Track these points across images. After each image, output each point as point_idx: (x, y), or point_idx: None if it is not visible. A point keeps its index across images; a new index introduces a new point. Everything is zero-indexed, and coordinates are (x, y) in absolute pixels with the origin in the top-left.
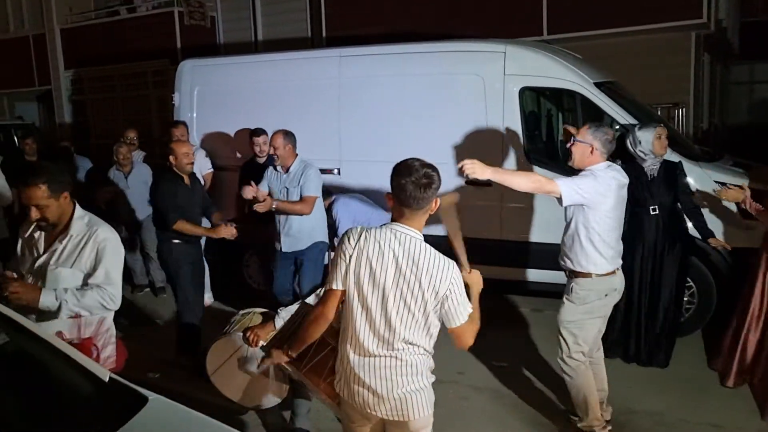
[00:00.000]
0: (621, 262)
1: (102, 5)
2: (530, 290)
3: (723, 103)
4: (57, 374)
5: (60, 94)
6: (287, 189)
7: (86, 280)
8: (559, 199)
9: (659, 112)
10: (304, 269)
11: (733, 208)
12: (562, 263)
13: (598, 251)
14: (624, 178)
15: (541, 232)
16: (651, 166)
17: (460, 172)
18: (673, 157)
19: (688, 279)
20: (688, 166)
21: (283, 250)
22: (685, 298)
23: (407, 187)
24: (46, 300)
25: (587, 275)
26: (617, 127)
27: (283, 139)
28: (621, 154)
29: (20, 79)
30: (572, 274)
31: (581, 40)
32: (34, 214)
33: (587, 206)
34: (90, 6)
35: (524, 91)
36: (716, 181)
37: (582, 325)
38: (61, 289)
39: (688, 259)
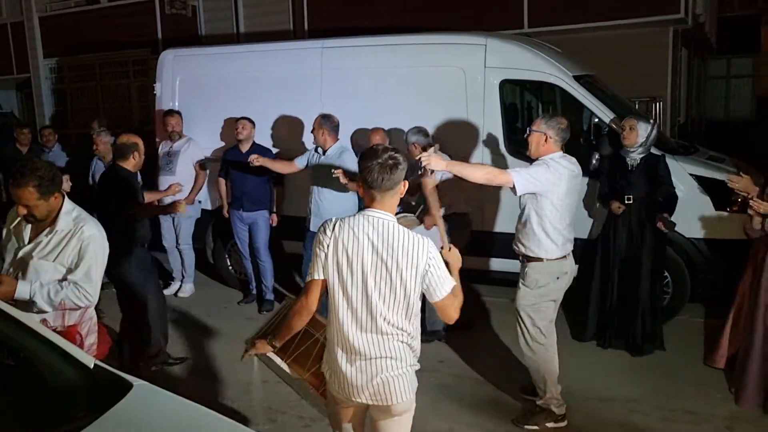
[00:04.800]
0: (572, 247)
1: None
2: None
3: (700, 97)
4: (42, 360)
5: (39, 83)
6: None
7: (66, 275)
8: (513, 189)
9: (637, 106)
10: None
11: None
12: (516, 249)
13: (550, 238)
14: (577, 169)
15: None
16: (631, 157)
17: (418, 164)
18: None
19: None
20: None
21: (312, 229)
22: None
23: (374, 168)
24: (22, 292)
25: (539, 260)
26: (596, 120)
27: (320, 121)
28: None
29: None
30: (525, 259)
31: (561, 34)
32: (22, 211)
33: (539, 194)
34: None
35: (504, 84)
36: (691, 174)
37: (537, 308)
38: (37, 284)
39: (663, 249)
